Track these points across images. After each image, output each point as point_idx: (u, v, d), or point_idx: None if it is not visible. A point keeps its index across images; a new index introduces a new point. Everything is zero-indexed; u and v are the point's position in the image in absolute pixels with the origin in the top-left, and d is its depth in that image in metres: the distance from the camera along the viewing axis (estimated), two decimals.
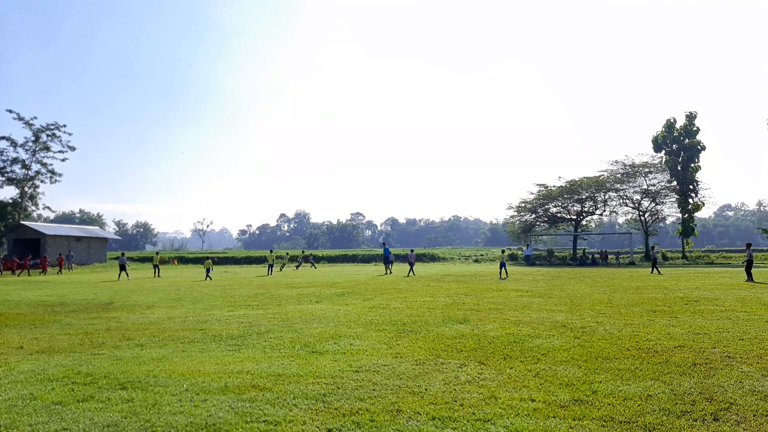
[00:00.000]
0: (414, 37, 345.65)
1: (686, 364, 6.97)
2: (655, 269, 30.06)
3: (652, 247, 37.46)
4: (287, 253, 54.18)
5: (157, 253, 40.80)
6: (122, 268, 32.07)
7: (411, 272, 31.66)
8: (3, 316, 13.18)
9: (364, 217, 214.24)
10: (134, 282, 27.90)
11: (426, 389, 5.93)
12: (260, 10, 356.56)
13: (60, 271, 42.34)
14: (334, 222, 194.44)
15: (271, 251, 45.15)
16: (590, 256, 52.94)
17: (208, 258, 37.36)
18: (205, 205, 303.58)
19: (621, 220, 69.53)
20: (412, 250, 36.69)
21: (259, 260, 60.24)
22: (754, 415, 4.95)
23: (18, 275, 38.73)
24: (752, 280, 21.94)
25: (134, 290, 21.58)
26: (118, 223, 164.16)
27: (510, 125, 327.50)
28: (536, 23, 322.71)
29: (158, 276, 34.08)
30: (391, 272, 32.60)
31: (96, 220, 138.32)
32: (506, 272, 28.63)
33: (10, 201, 60.75)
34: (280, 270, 42.39)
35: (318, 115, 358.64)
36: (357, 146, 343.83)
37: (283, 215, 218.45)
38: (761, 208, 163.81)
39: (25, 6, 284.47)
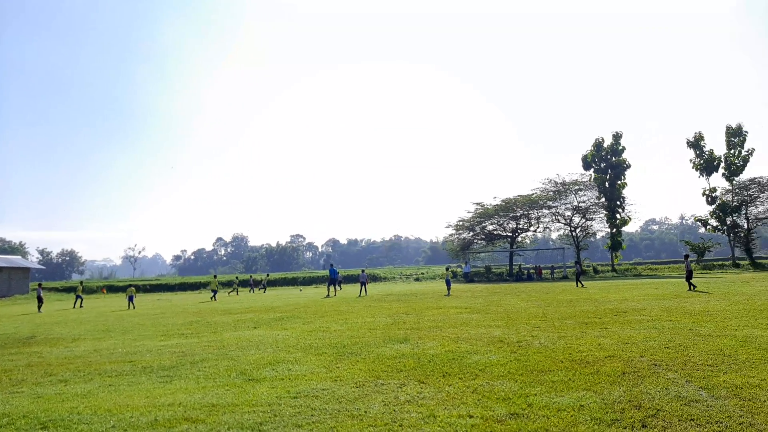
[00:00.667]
0: (349, 53, 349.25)
1: (616, 373, 7.22)
2: (579, 282, 31.60)
3: (576, 262, 39.20)
4: (237, 278, 53.36)
5: (81, 283, 38.85)
6: (39, 300, 30.46)
7: (363, 292, 31.85)
8: None
9: (304, 239, 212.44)
10: (59, 314, 26.36)
11: (365, 411, 5.86)
12: (194, 30, 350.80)
13: None
14: (274, 245, 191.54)
15: (215, 276, 43.98)
16: (526, 272, 54.41)
17: (130, 285, 35.99)
18: (136, 231, 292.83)
19: (554, 236, 72.02)
20: (363, 270, 36.66)
21: (195, 286, 58.33)
22: (679, 420, 5.16)
23: None
24: (694, 288, 23.03)
25: (59, 322, 20.39)
26: (41, 252, 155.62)
27: (448, 145, 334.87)
28: (476, 46, 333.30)
29: (81, 306, 32.36)
30: (335, 294, 32.22)
31: (18, 249, 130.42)
32: (449, 289, 29.75)
33: None
34: (229, 294, 41.54)
35: (255, 136, 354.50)
36: (296, 167, 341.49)
37: (219, 239, 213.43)
38: (683, 221, 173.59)
39: None
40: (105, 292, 56.77)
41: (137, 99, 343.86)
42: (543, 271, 54.72)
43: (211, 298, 35.45)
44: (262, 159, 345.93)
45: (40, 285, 33.21)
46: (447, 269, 33.16)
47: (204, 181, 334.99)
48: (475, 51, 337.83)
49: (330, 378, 7.72)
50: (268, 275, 56.22)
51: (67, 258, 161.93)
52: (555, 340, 10.39)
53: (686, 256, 26.40)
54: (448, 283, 30.27)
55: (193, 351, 11.09)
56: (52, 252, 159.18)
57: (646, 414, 5.38)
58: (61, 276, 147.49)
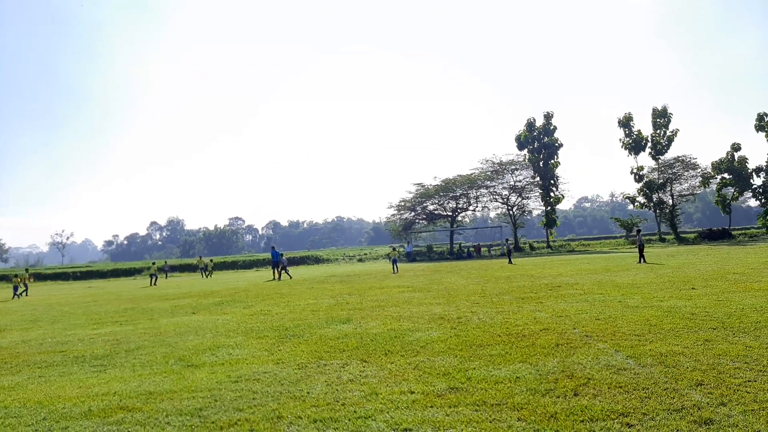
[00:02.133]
0: (289, 26, 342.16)
1: (550, 345, 7.52)
2: (509, 259, 32.96)
3: (506, 240, 40.61)
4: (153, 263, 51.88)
5: (27, 270, 36.84)
6: None
7: (286, 275, 31.38)
8: None
9: (243, 221, 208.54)
10: None
11: (308, 392, 5.87)
12: (129, 6, 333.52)
13: None
14: (212, 228, 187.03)
15: (154, 263, 42.80)
16: (466, 250, 55.67)
17: (16, 275, 33.70)
18: (66, 217, 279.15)
19: (492, 214, 73.92)
20: (281, 254, 34.83)
21: (129, 272, 56.38)
22: (608, 388, 5.43)
23: None
24: (644, 261, 24.31)
25: None
26: None
27: (389, 125, 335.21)
28: (414, 17, 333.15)
29: (26, 296, 30.13)
30: (280, 278, 31.16)
31: None
32: (397, 268, 30.22)
33: None
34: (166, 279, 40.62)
35: (189, 114, 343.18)
36: (233, 147, 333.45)
37: (154, 223, 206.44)
38: (614, 198, 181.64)
39: None
40: (32, 280, 53.93)
41: (64, 78, 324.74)
42: (482, 249, 56.09)
43: (151, 283, 34.94)
44: (199, 140, 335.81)
45: None
46: (393, 249, 33.52)
47: (136, 163, 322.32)
48: (412, 24, 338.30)
49: (272, 361, 7.67)
50: (211, 260, 54.92)
51: None
52: (493, 315, 10.70)
53: (638, 231, 27.86)
54: (395, 262, 30.58)
55: (129, 339, 10.74)
56: None
57: (578, 383, 5.63)
58: None
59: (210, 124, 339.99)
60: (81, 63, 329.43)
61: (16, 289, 29.13)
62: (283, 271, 31.43)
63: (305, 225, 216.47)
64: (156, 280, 36.50)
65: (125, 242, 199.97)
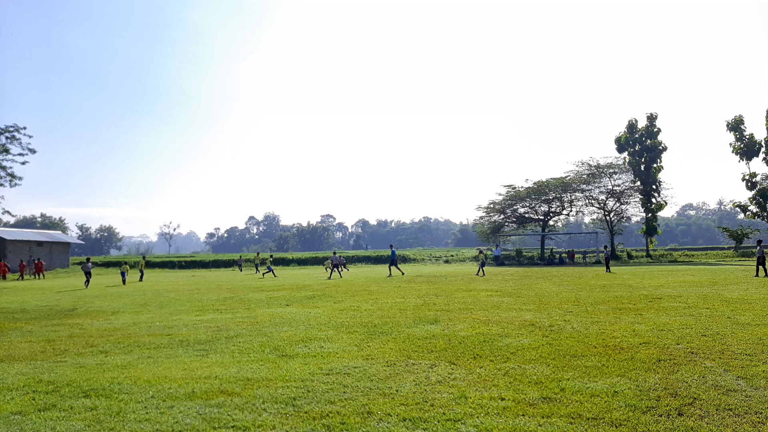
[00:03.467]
0: (389, 36, 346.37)
1: (651, 360, 7.12)
2: (607, 268, 31.27)
3: (605, 247, 38.52)
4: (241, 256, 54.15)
5: (144, 257, 40.12)
6: (87, 275, 28.79)
7: (336, 274, 32.45)
8: None
9: (334, 219, 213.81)
10: (99, 288, 27.22)
11: (397, 390, 5.92)
12: (227, 10, 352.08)
13: (22, 276, 41.19)
14: (304, 224, 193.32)
15: (258, 253, 45.22)
16: (558, 256, 53.84)
17: (125, 263, 36.57)
18: (172, 208, 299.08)
19: (587, 219, 70.78)
20: (335, 252, 36.43)
21: (228, 264, 59.53)
22: (716, 409, 5.07)
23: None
24: (766, 274, 22.53)
25: (98, 296, 21.06)
26: (81, 228, 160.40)
27: (479, 126, 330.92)
28: (497, 22, 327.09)
29: (141, 281, 33.48)
30: (402, 273, 31.94)
31: (58, 225, 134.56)
32: (483, 272, 29.85)
33: None
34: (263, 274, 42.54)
35: (287, 116, 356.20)
36: (327, 147, 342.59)
37: (252, 218, 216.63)
38: (722, 207, 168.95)
39: None
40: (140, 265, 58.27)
41: (169, 79, 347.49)
42: (575, 256, 54.02)
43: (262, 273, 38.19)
44: (295, 139, 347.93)
45: (88, 260, 30.84)
46: (480, 252, 33.09)
47: (237, 160, 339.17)
48: (501, 35, 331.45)
49: (361, 356, 7.81)
50: (271, 256, 56.89)
51: (106, 234, 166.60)
52: (588, 325, 10.28)
53: (759, 242, 25.70)
54: (483, 265, 30.21)
55: (228, 326, 11.35)
56: (90, 228, 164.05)
57: (683, 402, 5.29)
58: (99, 251, 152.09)
59: (303, 123, 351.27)
60: (181, 63, 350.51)
61: (124, 275, 31.52)
62: (335, 270, 32.25)
63: (393, 224, 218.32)
64: (258, 269, 39.66)
65: (225, 235, 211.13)
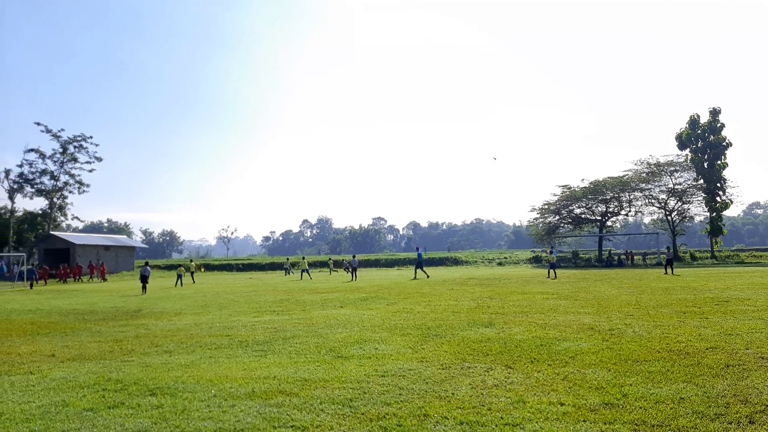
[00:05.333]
0: (437, 38, 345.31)
1: (719, 365, 6.81)
2: (668, 269, 29.90)
3: (667, 248, 36.84)
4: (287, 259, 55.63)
5: (191, 261, 41.60)
6: (143, 279, 26.45)
7: (354, 278, 32.92)
8: (35, 325, 13.48)
9: (385, 221, 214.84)
10: (161, 290, 28.28)
11: (453, 393, 5.89)
12: (273, 13, 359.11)
13: (92, 279, 43.39)
14: (356, 227, 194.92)
15: (303, 258, 46.42)
16: (616, 258, 52.25)
17: (180, 265, 38.03)
18: (229, 212, 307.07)
19: (647, 220, 68.32)
20: (354, 256, 37.79)
21: (282, 266, 60.81)
22: None
23: (64, 282, 40.30)
24: None
25: (161, 298, 21.89)
26: (144, 232, 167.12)
27: (532, 125, 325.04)
28: (552, 18, 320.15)
29: (193, 282, 34.81)
30: (427, 276, 32.29)
31: (123, 229, 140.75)
32: (554, 273, 29.43)
33: (40, 212, 62.47)
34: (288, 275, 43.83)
35: (340, 120, 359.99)
36: (379, 150, 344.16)
37: (305, 221, 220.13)
38: None
39: (43, 21, 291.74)
40: (203, 270, 60.33)
41: (224, 86, 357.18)
42: (635, 257, 52.26)
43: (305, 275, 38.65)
44: (347, 143, 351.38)
45: (146, 263, 29.45)
46: (550, 253, 32.64)
47: (291, 165, 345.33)
48: (552, 32, 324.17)
49: (416, 359, 7.81)
50: (304, 258, 58.05)
51: (167, 238, 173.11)
52: (650, 329, 9.93)
53: None
54: (553, 267, 29.76)
55: (285, 327, 11.58)
56: (153, 232, 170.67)
57: (754, 410, 5.04)
58: (162, 255, 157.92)
59: (355, 127, 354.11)
60: (232, 68, 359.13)
61: (179, 277, 32.95)
62: (351, 272, 33.55)
63: (444, 226, 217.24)
64: (304, 274, 39.45)
65: (280, 238, 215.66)
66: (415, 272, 33.52)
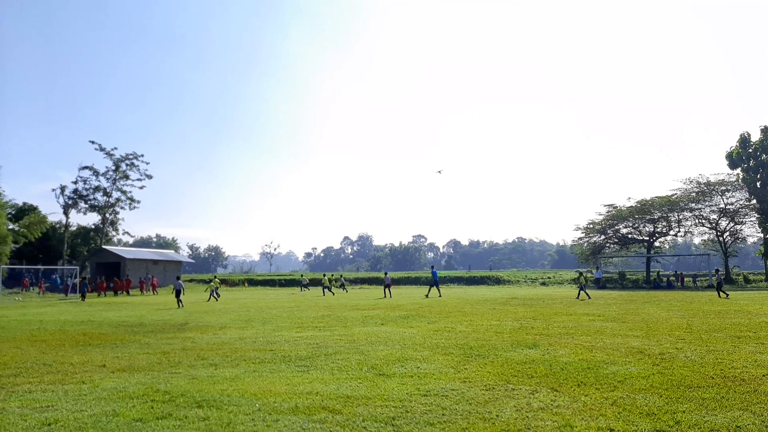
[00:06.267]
0: (470, 53, 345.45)
1: None
2: (721, 292, 28.67)
3: (716, 270, 35.37)
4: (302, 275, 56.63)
5: (215, 277, 42.58)
6: (177, 294, 26.48)
7: (388, 294, 33.59)
8: (87, 336, 13.95)
9: (425, 239, 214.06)
10: (206, 304, 28.88)
11: (497, 415, 5.80)
12: (321, 41, 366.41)
13: (143, 292, 44.87)
14: (397, 244, 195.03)
15: (324, 274, 46.96)
16: (665, 279, 50.59)
17: (215, 277, 38.98)
18: (271, 228, 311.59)
19: (697, 240, 66.10)
20: (386, 273, 39.32)
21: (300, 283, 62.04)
22: None
23: (117, 294, 41.95)
24: None
25: (207, 311, 22.35)
26: (191, 247, 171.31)
27: (574, 143, 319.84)
28: (595, 36, 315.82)
29: (216, 299, 33.59)
30: (439, 295, 32.69)
31: (171, 244, 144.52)
32: (584, 294, 29.34)
33: (93, 227, 65.01)
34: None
35: (379, 138, 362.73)
36: (420, 166, 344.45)
37: (346, 238, 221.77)
38: None
39: (93, 46, 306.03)
40: (246, 285, 61.47)
41: (265, 105, 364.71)
42: (685, 279, 50.47)
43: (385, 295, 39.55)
44: (386, 160, 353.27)
45: (178, 278, 29.32)
46: (580, 274, 32.41)
47: (332, 181, 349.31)
48: (597, 41, 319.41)
49: (458, 379, 7.73)
50: (342, 275, 58.82)
51: (213, 253, 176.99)
52: (703, 354, 9.56)
53: None
54: (582, 288, 29.63)
55: (327, 343, 11.65)
56: (200, 247, 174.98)
57: None
58: (207, 269, 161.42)
59: (394, 144, 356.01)
60: (272, 90, 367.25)
61: (213, 291, 34.18)
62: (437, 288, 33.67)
63: (485, 245, 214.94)
64: (327, 290, 40.35)
65: (321, 254, 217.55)
66: (429, 290, 34.09)
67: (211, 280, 39.24)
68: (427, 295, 32.51)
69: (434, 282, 33.48)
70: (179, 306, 25.56)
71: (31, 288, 48.54)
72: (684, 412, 5.82)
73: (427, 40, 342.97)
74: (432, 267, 36.72)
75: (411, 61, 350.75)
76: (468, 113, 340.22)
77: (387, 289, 34.52)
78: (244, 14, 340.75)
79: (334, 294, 38.50)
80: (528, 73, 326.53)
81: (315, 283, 55.78)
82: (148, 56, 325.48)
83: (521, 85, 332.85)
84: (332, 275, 54.18)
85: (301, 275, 58.88)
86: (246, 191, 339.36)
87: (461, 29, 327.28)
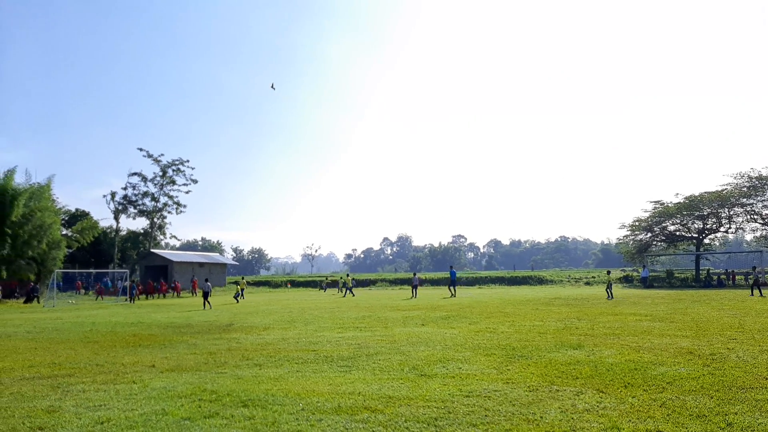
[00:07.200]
0: (510, 51, 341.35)
1: None
2: (757, 290, 27.38)
3: (753, 268, 33.77)
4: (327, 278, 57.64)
5: (243, 278, 43.38)
6: (205, 296, 27.24)
7: (414, 295, 34.03)
8: (137, 337, 14.41)
9: (465, 239, 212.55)
10: (251, 305, 29.42)
11: (541, 417, 5.74)
12: (356, 43, 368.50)
13: (195, 293, 46.21)
14: (436, 245, 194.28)
15: (347, 275, 48.26)
16: (715, 277, 48.81)
17: (243, 278, 39.84)
18: (313, 230, 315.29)
19: (749, 237, 63.62)
20: (415, 274, 39.80)
21: (364, 283, 62.04)
22: None
23: (163, 297, 43.31)
24: None
25: (251, 312, 22.77)
26: (235, 250, 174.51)
27: (619, 138, 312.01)
28: (644, 23, 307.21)
29: (242, 299, 35.74)
30: (453, 295, 33.03)
31: (216, 247, 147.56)
32: (611, 294, 28.54)
33: (142, 231, 67.20)
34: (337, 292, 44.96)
35: (419, 138, 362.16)
36: (459, 165, 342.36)
37: (386, 239, 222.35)
38: None
39: (133, 54, 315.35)
40: (289, 286, 62.46)
41: (306, 109, 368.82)
42: (737, 277, 48.60)
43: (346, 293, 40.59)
44: (426, 160, 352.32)
45: (206, 280, 29.51)
46: (608, 273, 32.19)
47: (372, 183, 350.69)
48: (646, 40, 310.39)
49: (501, 380, 7.67)
50: (348, 274, 59.70)
51: (256, 255, 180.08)
52: (756, 354, 9.22)
53: None
54: (609, 287, 29.00)
55: (368, 344, 11.72)
56: (243, 250, 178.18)
57: None
58: (251, 271, 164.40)
59: (434, 145, 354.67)
60: (311, 93, 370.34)
61: (239, 293, 35.23)
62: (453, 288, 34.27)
63: (527, 244, 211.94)
64: (347, 292, 40.99)
65: (362, 255, 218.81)
66: (449, 289, 34.74)
67: (238, 282, 40.43)
68: (453, 295, 33.22)
69: (452, 281, 34.58)
70: (205, 307, 26.60)
71: (88, 291, 50.58)
72: (736, 414, 5.63)
73: (465, 35, 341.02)
74: (451, 267, 38.01)
75: (447, 58, 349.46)
76: (508, 110, 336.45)
77: (414, 290, 35.22)
78: (281, 17, 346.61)
79: (354, 295, 39.06)
80: (570, 68, 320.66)
81: (332, 285, 58.02)
82: (192, 64, 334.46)
83: (564, 81, 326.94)
84: (346, 275, 55.09)
85: (326, 277, 60.01)
86: (286, 193, 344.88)
87: (503, 21, 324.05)
